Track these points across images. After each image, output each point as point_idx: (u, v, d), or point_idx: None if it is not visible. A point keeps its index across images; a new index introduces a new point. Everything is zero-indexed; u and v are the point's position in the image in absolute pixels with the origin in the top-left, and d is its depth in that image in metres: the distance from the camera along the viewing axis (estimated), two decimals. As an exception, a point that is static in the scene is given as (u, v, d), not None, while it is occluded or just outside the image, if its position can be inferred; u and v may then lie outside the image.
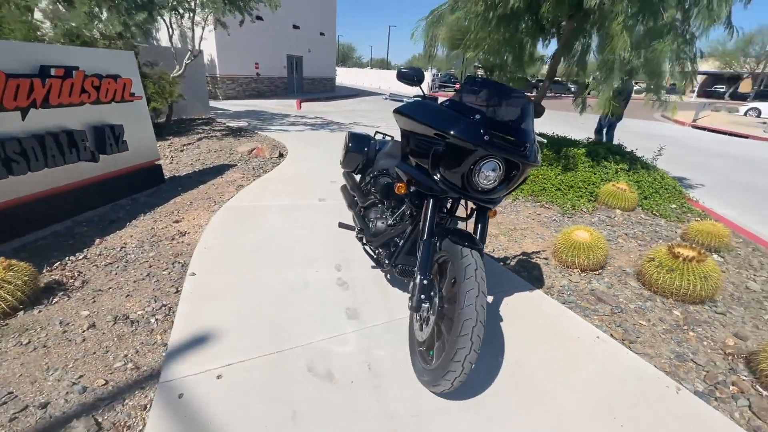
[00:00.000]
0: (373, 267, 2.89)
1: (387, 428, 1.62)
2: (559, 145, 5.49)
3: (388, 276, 2.79)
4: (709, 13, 4.02)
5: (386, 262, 2.32)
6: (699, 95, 32.15)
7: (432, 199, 1.86)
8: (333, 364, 1.94)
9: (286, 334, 2.12)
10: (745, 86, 34.14)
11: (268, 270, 2.77)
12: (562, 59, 5.54)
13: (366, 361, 1.98)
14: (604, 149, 5.44)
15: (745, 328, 2.47)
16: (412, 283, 1.92)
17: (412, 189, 2.00)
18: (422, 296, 1.78)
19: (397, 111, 1.97)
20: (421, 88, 1.99)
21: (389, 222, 2.40)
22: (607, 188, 4.59)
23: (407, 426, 1.63)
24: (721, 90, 34.29)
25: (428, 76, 26.16)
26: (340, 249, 3.14)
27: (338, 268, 2.86)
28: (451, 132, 1.60)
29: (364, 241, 2.63)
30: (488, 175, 1.65)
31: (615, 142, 6.90)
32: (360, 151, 3.02)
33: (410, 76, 1.87)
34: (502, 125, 1.63)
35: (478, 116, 1.62)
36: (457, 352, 1.50)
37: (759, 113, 19.10)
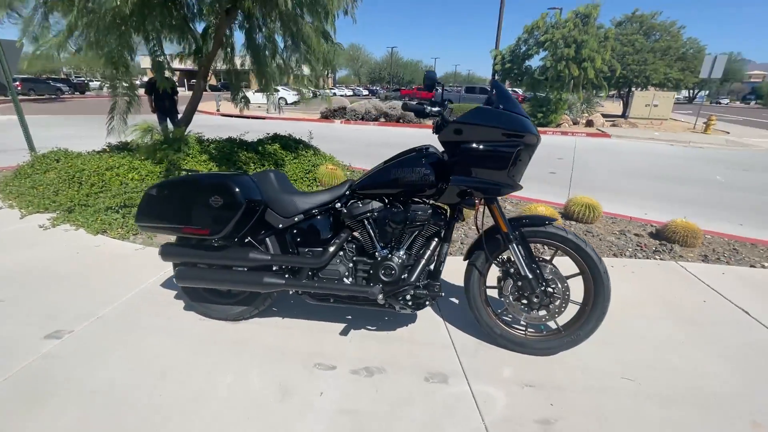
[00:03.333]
0: (376, 328, 2.18)
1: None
2: (234, 148, 5.23)
3: (381, 330, 2.14)
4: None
5: (440, 294, 1.96)
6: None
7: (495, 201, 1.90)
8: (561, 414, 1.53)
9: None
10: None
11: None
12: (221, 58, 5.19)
13: (523, 383, 1.74)
14: (293, 141, 5.86)
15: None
16: (532, 283, 1.85)
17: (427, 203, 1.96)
18: (543, 282, 1.90)
19: (460, 121, 1.74)
20: (439, 91, 1.86)
21: (402, 255, 1.94)
22: (323, 170, 5.15)
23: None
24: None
25: None
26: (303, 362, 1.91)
27: (361, 372, 1.81)
28: (531, 132, 1.72)
29: (384, 300, 1.91)
30: None
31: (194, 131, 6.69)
32: (256, 197, 1.90)
33: (432, 81, 1.86)
34: None
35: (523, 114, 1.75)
36: (608, 295, 1.84)
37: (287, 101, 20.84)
